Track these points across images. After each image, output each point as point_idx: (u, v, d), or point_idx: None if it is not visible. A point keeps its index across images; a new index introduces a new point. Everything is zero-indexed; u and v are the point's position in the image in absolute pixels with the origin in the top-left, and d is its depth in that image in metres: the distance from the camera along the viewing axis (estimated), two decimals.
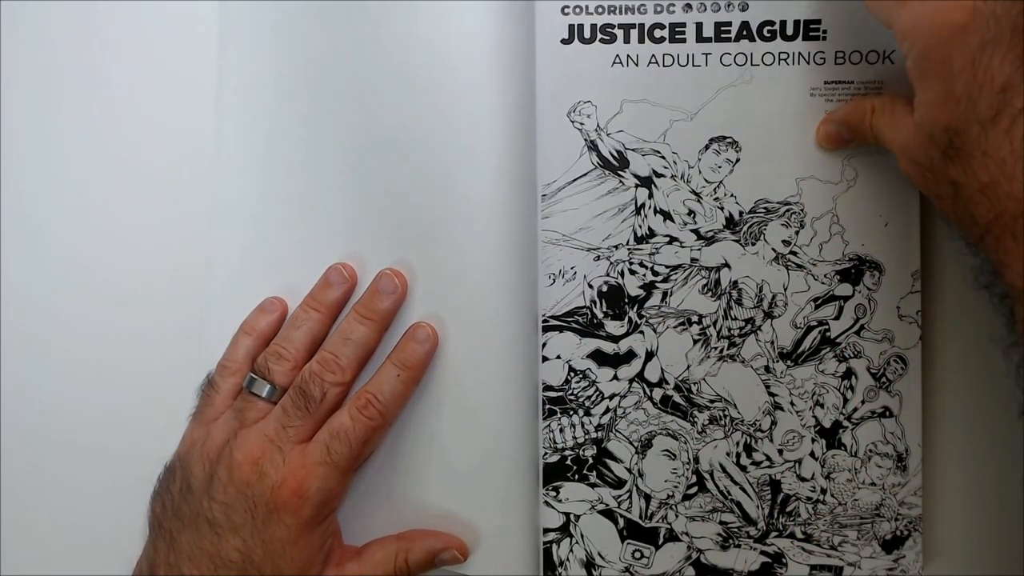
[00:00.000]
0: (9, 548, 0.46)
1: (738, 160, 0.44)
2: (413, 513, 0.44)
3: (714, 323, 0.44)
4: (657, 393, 0.45)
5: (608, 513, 0.45)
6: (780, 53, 0.44)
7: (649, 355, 0.45)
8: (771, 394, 0.44)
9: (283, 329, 0.44)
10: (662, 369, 0.45)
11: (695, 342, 0.45)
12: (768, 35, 0.44)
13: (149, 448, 0.43)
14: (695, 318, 0.45)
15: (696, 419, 0.45)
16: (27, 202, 0.47)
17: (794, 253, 0.44)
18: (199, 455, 0.42)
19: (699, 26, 0.44)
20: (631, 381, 0.45)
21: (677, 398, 0.45)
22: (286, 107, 0.46)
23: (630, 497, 0.45)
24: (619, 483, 0.45)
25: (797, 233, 0.44)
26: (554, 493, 0.45)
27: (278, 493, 0.40)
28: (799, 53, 0.44)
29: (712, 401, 0.45)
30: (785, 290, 0.44)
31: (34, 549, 0.46)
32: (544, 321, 0.45)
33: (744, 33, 0.44)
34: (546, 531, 0.45)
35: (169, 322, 0.47)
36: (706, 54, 0.44)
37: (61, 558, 0.46)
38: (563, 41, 0.44)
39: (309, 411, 0.41)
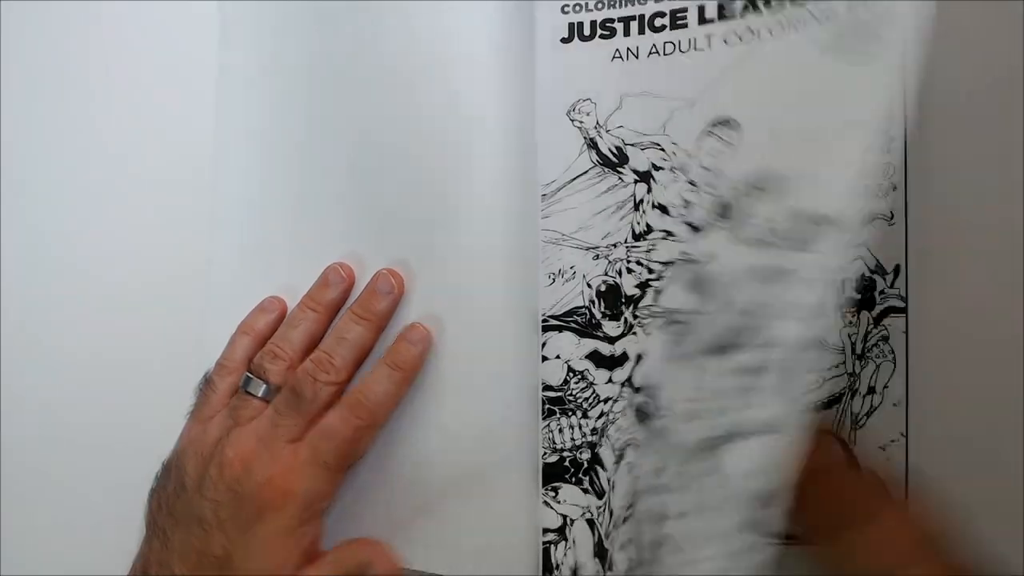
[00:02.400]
0: (9, 548, 0.46)
1: (739, 142, 0.42)
2: (411, 513, 0.44)
3: (699, 322, 0.43)
4: (637, 399, 0.44)
5: (591, 523, 0.44)
6: (789, 19, 0.41)
7: (638, 358, 0.44)
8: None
9: (280, 329, 0.44)
10: (645, 374, 0.44)
11: (676, 343, 0.44)
12: (775, 2, 0.41)
13: (149, 448, 0.43)
14: (681, 318, 0.43)
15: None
16: (27, 202, 0.47)
17: None
18: (193, 453, 0.42)
19: (701, 9, 0.42)
20: (622, 385, 0.44)
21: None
22: (285, 107, 0.46)
23: (605, 510, 0.44)
24: (601, 493, 0.44)
25: None
26: (553, 493, 0.44)
27: (264, 491, 0.40)
28: (811, 13, 0.40)
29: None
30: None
31: (34, 549, 0.46)
32: (544, 321, 0.44)
33: (748, 6, 0.42)
34: (545, 531, 0.44)
35: (169, 322, 0.47)
36: (709, 36, 0.42)
37: (61, 558, 0.46)
38: (563, 40, 0.44)
39: (300, 410, 0.41)
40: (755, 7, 0.42)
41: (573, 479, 0.44)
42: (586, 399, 0.44)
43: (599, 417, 0.44)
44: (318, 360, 0.42)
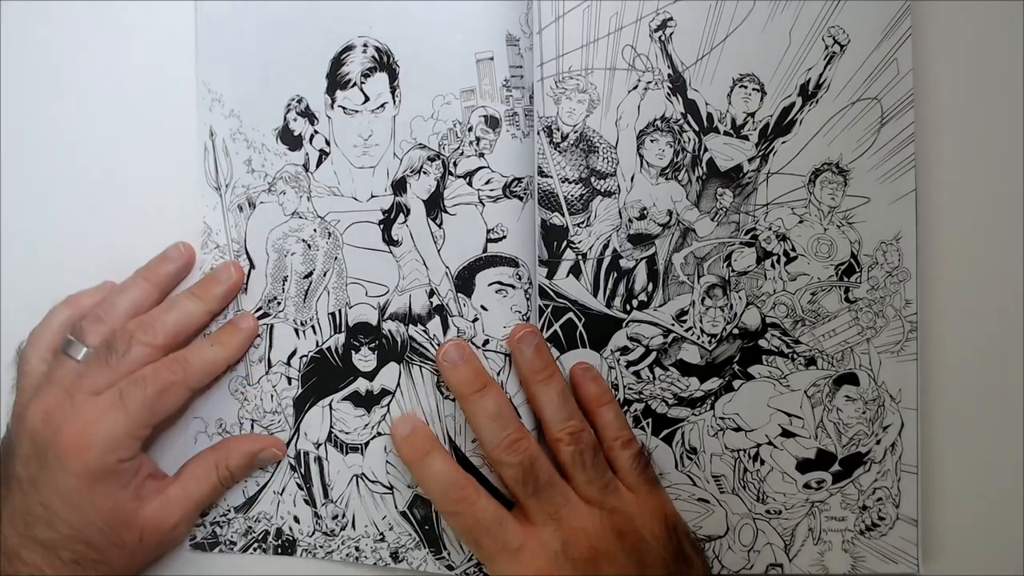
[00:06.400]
0: None
1: None
2: None
3: None
4: None
5: None
6: None
7: None
8: None
9: (108, 295, 0.44)
10: None
11: None
12: None
13: None
14: None
15: None
16: (27, 202, 0.47)
17: None
18: (10, 418, 0.41)
19: None
20: None
21: None
22: None
23: None
24: None
25: None
26: None
27: (61, 438, 0.39)
28: None
29: None
30: None
31: None
32: None
33: None
34: None
35: None
36: None
37: None
38: None
39: (109, 363, 0.40)
40: None
41: None
42: None
43: None
44: (140, 321, 0.42)
